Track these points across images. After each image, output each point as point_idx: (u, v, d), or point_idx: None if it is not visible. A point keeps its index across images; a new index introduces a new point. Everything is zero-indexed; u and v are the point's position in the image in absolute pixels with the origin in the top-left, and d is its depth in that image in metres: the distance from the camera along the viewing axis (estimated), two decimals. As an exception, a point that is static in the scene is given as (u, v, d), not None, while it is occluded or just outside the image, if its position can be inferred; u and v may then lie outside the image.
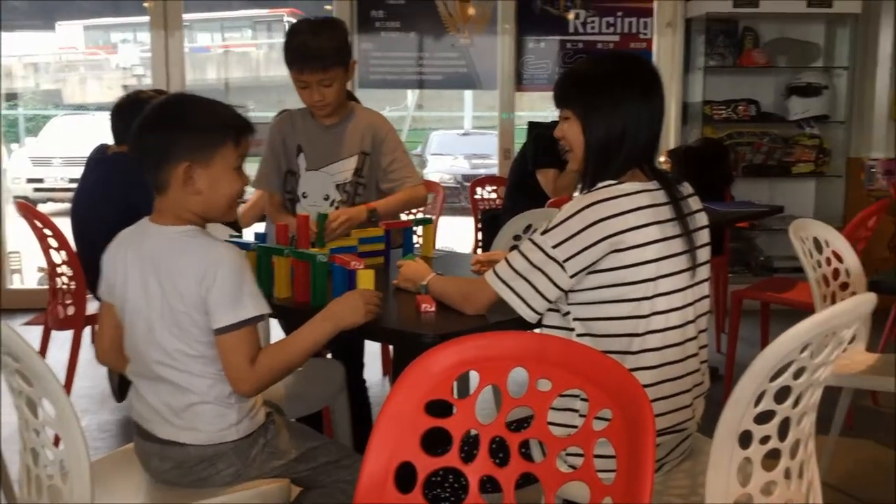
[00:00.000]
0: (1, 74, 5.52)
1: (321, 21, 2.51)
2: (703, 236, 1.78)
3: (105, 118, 3.62)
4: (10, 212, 5.67)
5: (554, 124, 1.84)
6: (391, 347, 3.32)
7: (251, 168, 2.83)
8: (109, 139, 3.52)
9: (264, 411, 1.81)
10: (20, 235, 4.91)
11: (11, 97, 11.74)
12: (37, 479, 1.55)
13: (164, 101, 1.74)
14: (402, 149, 2.67)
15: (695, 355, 1.75)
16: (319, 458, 1.82)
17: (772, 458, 1.42)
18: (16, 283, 5.69)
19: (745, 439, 1.38)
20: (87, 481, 1.46)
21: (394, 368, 2.67)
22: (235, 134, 1.72)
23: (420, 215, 4.49)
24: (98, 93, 12.10)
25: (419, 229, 2.75)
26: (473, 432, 1.39)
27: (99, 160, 3.44)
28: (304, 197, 2.62)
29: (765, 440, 1.40)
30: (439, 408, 1.36)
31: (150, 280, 1.69)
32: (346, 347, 2.68)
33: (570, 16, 5.50)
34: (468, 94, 12.75)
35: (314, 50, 2.42)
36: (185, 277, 1.65)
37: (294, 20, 2.60)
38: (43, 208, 4.28)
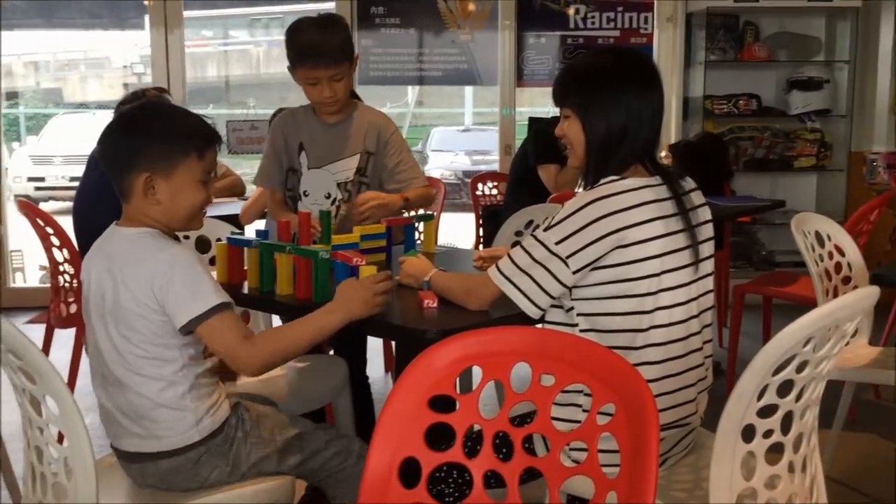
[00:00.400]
0: (1, 73, 5.50)
1: (325, 17, 2.52)
2: (707, 231, 1.78)
3: (106, 116, 3.63)
4: (12, 210, 5.68)
5: (555, 120, 1.84)
6: (394, 343, 3.32)
7: (252, 165, 2.85)
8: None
9: (228, 404, 1.78)
10: (22, 234, 4.92)
11: (12, 96, 11.73)
12: (41, 476, 1.55)
13: (132, 110, 1.76)
14: (407, 149, 2.68)
15: (699, 350, 1.75)
16: (310, 445, 1.81)
17: (775, 452, 1.42)
18: (18, 281, 5.69)
19: (748, 433, 1.38)
20: (92, 479, 1.47)
21: (396, 364, 2.67)
22: (200, 146, 1.72)
23: (421, 211, 4.50)
24: (98, 91, 12.10)
25: (420, 225, 2.75)
26: (476, 427, 1.39)
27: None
28: (306, 195, 2.62)
29: (768, 434, 1.40)
30: (442, 403, 1.36)
31: (106, 280, 1.69)
32: (349, 344, 2.68)
33: (571, 11, 5.49)
34: (468, 91, 12.72)
35: (325, 46, 2.43)
36: (138, 278, 1.66)
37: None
38: (44, 207, 4.28)
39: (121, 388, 1.71)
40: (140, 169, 1.67)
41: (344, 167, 2.60)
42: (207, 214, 3.49)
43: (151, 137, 1.69)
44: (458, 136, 12.29)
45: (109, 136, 1.73)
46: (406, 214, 2.74)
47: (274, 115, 3.86)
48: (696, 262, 1.72)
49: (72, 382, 3.20)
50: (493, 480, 1.38)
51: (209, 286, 1.66)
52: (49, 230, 3.26)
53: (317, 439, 1.84)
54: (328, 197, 2.61)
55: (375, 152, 2.61)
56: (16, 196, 8.56)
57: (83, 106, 12.10)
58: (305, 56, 2.44)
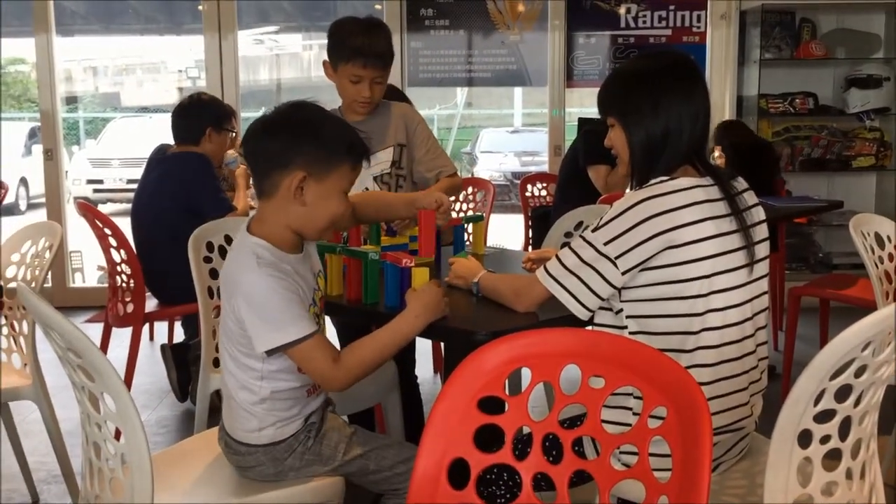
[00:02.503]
0: (57, 79, 5.65)
1: (372, 20, 2.60)
2: (761, 232, 1.75)
3: (161, 120, 3.71)
4: (71, 212, 5.83)
5: (603, 120, 1.83)
6: (442, 345, 3.33)
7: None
8: (167, 139, 3.60)
9: (300, 423, 1.78)
10: (81, 235, 5.04)
11: (72, 100, 12.04)
12: (99, 472, 1.59)
13: (294, 106, 1.72)
14: (433, 138, 2.74)
15: (753, 353, 1.72)
16: (371, 464, 1.81)
17: (832, 458, 1.39)
18: (77, 281, 5.84)
19: (804, 439, 1.35)
20: (148, 475, 1.50)
21: (445, 366, 2.67)
22: (355, 158, 1.72)
23: (470, 213, 4.50)
24: (154, 95, 12.35)
25: (470, 227, 2.75)
26: (526, 430, 1.38)
27: (160, 160, 3.52)
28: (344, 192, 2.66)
29: (825, 440, 1.37)
30: (491, 405, 1.36)
31: (224, 274, 1.77)
32: None
33: (622, 10, 5.44)
34: (517, 92, 12.68)
35: (376, 48, 2.51)
36: (228, 291, 1.71)
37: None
38: (102, 209, 4.39)
39: (224, 371, 1.80)
40: (295, 168, 1.65)
41: (379, 160, 2.64)
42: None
43: (314, 139, 1.67)
44: (508, 137, 12.26)
45: (262, 133, 1.69)
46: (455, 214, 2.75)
47: None
48: (751, 263, 1.69)
49: (128, 380, 3.28)
50: (543, 483, 1.38)
51: (287, 318, 1.63)
52: (107, 231, 3.34)
53: (381, 458, 1.82)
54: (366, 191, 2.64)
55: (407, 145, 2.66)
56: (75, 198, 8.79)
57: (141, 110, 12.36)
58: (357, 55, 2.50)
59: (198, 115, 3.48)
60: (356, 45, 2.50)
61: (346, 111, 2.66)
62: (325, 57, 2.59)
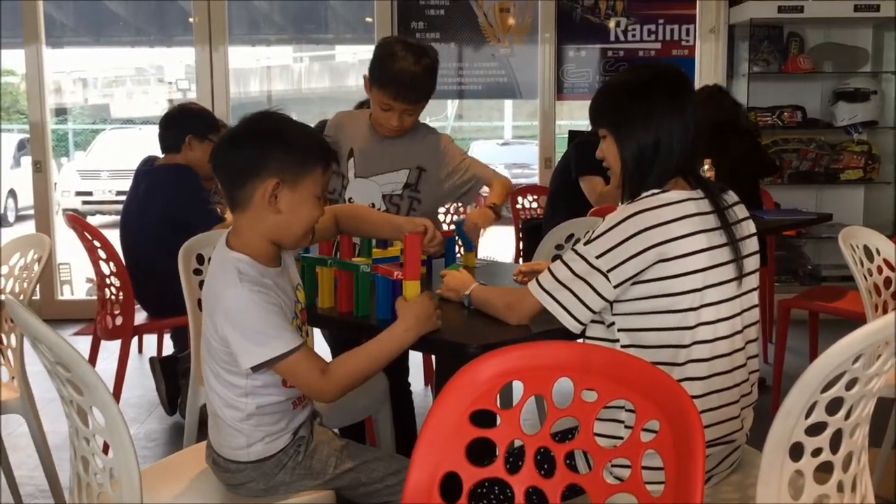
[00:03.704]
0: (46, 90, 5.64)
1: (421, 49, 2.47)
2: (751, 245, 1.75)
3: (151, 131, 3.69)
4: (60, 224, 5.80)
5: (595, 132, 1.83)
6: (433, 357, 3.32)
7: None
8: (156, 151, 3.58)
9: (288, 437, 1.77)
10: (70, 247, 5.02)
11: (61, 112, 12.01)
12: (87, 486, 1.58)
13: (258, 116, 1.71)
14: (463, 155, 2.71)
15: (743, 366, 1.72)
16: (362, 477, 1.81)
17: (824, 471, 1.39)
18: (66, 293, 5.81)
19: (796, 452, 1.35)
20: (137, 489, 1.48)
21: (437, 378, 2.66)
22: (326, 161, 1.71)
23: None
24: (144, 107, 12.34)
25: (460, 239, 2.75)
26: (517, 443, 1.38)
27: (146, 172, 3.51)
28: (350, 202, 2.64)
29: (816, 452, 1.37)
30: (483, 418, 1.35)
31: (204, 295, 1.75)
32: None
33: (611, 24, 5.47)
34: (508, 104, 12.72)
35: (414, 82, 2.41)
36: (209, 307, 1.69)
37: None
38: (91, 220, 4.37)
39: (207, 388, 1.79)
40: (267, 176, 1.63)
41: (391, 180, 2.61)
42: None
43: (283, 145, 1.65)
44: (498, 149, 12.31)
45: (230, 145, 1.68)
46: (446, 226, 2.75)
47: (318, 125, 3.89)
48: (741, 276, 1.70)
49: (117, 393, 3.26)
50: (535, 497, 1.37)
51: (272, 332, 1.61)
52: (96, 243, 3.32)
53: (371, 471, 1.81)
54: (372, 206, 2.63)
55: (429, 168, 2.62)
56: (64, 210, 8.75)
57: (130, 121, 12.35)
58: (391, 83, 2.41)
59: (180, 123, 3.46)
60: (393, 73, 2.40)
61: (375, 125, 2.60)
62: (366, 72, 2.53)
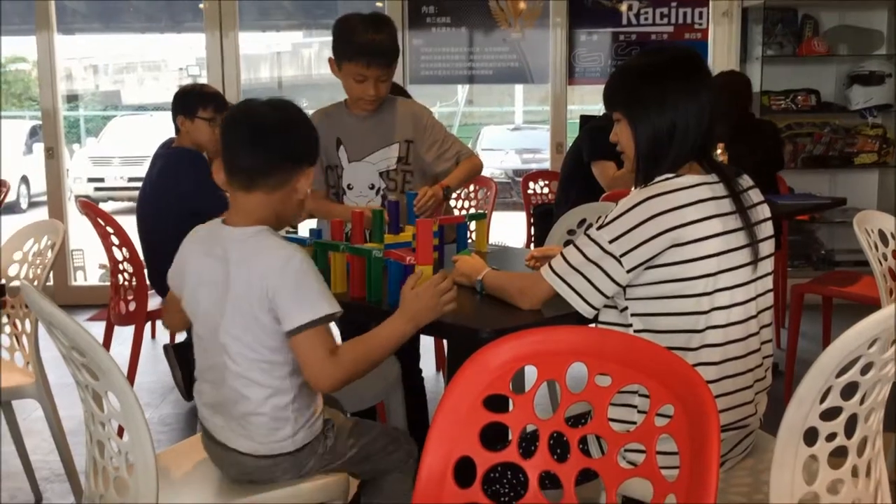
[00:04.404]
0: (58, 77, 5.65)
1: (377, 17, 2.57)
2: (766, 229, 1.74)
3: (162, 118, 3.69)
4: (72, 210, 5.83)
5: (607, 116, 1.83)
6: (445, 342, 3.33)
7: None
8: (169, 135, 3.58)
9: (322, 419, 1.79)
10: (82, 233, 5.04)
11: (72, 99, 12.04)
12: (103, 471, 1.59)
13: (291, 104, 1.76)
14: (444, 129, 2.75)
15: (757, 351, 1.72)
16: (374, 451, 1.84)
17: (838, 455, 1.39)
18: (79, 279, 5.84)
19: (810, 436, 1.35)
20: (153, 473, 1.49)
21: (448, 364, 2.67)
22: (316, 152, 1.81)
23: (473, 210, 4.49)
24: (155, 93, 12.36)
25: (472, 224, 2.75)
26: (530, 428, 1.38)
27: (160, 155, 3.50)
28: (350, 189, 2.66)
29: (831, 437, 1.37)
30: (496, 403, 1.35)
31: (221, 282, 1.68)
32: None
33: (623, 7, 5.43)
34: (518, 89, 12.67)
35: (380, 46, 2.49)
36: (255, 277, 1.64)
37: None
38: (103, 207, 4.39)
39: (226, 387, 1.71)
40: (308, 164, 1.74)
41: (384, 156, 2.65)
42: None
43: (311, 134, 1.77)
44: (509, 134, 12.26)
45: (273, 129, 1.70)
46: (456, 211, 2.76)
47: None
48: (755, 261, 1.69)
49: (131, 378, 3.28)
50: (548, 481, 1.38)
51: (323, 292, 1.64)
52: (109, 229, 3.33)
53: (374, 443, 1.85)
54: (372, 188, 2.65)
55: (414, 140, 2.66)
56: (76, 196, 8.78)
57: (141, 108, 12.37)
58: (360, 54, 2.49)
59: (173, 107, 3.44)
60: (359, 44, 2.49)
61: (352, 107, 2.66)
62: (331, 54, 2.59)
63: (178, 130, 3.45)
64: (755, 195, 1.75)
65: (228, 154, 1.71)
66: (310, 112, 2.30)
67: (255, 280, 1.64)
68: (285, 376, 1.69)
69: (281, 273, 1.62)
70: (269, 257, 1.65)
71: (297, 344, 1.64)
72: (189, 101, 3.41)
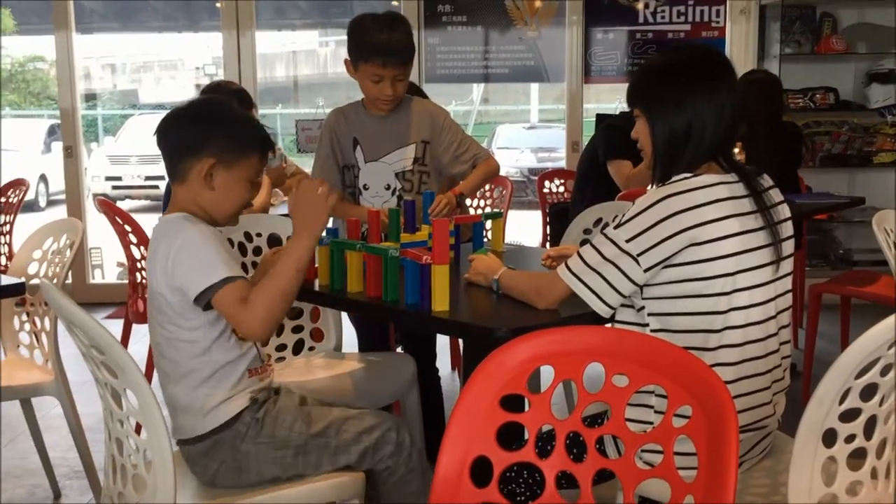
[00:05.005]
0: (76, 76, 5.69)
1: (391, 16, 2.56)
2: (786, 229, 1.73)
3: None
4: (90, 209, 5.87)
5: (624, 115, 1.83)
6: (461, 341, 3.33)
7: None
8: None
9: (245, 400, 1.78)
10: (100, 232, 5.07)
11: (90, 98, 12.12)
12: (122, 468, 1.60)
13: (205, 99, 1.87)
14: (461, 130, 2.75)
15: (776, 351, 1.71)
16: (342, 441, 1.79)
17: (857, 457, 1.38)
18: (97, 277, 5.88)
19: (829, 438, 1.34)
20: (171, 470, 1.50)
21: (465, 363, 2.68)
22: (262, 148, 1.84)
23: (488, 209, 4.49)
24: (172, 92, 12.43)
25: (488, 223, 2.75)
26: (546, 428, 1.38)
27: None
28: (366, 189, 2.67)
29: (850, 439, 1.36)
30: (513, 403, 1.35)
31: (148, 269, 1.80)
32: (416, 338, 2.70)
33: (640, 5, 5.41)
34: (534, 87, 12.65)
35: (395, 45, 2.49)
36: (156, 256, 1.74)
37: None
38: (121, 205, 4.42)
39: (160, 373, 1.82)
40: (207, 154, 1.76)
41: (400, 157, 2.65)
42: (279, 213, 3.55)
43: (223, 127, 1.80)
44: (524, 133, 12.25)
45: (175, 122, 1.81)
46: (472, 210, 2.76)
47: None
48: (777, 261, 1.68)
49: (148, 375, 3.30)
50: (564, 481, 1.37)
51: (218, 260, 1.70)
52: (127, 228, 3.35)
53: (342, 433, 1.80)
54: (388, 188, 2.65)
55: (431, 140, 2.66)
56: (94, 195, 8.84)
57: (158, 107, 12.44)
58: (375, 54, 2.49)
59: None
60: (374, 44, 2.48)
61: (370, 107, 2.65)
62: (346, 55, 2.59)
63: None
64: (775, 195, 1.74)
65: (160, 149, 1.84)
66: (327, 111, 2.32)
67: (159, 260, 1.73)
68: (197, 354, 1.75)
69: (179, 247, 1.70)
70: (172, 236, 1.73)
71: (216, 304, 1.70)
72: (235, 101, 3.42)
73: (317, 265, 2.19)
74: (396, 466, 1.82)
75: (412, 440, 1.86)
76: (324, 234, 2.21)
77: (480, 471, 1.33)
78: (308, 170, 4.55)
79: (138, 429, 1.57)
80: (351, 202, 2.68)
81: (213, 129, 1.78)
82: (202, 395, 1.75)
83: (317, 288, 2.18)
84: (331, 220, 3.08)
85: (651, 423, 1.62)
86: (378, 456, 1.81)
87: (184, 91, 11.98)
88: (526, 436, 1.36)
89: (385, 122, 2.65)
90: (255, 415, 1.79)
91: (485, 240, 2.63)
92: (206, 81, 11.23)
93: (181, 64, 12.71)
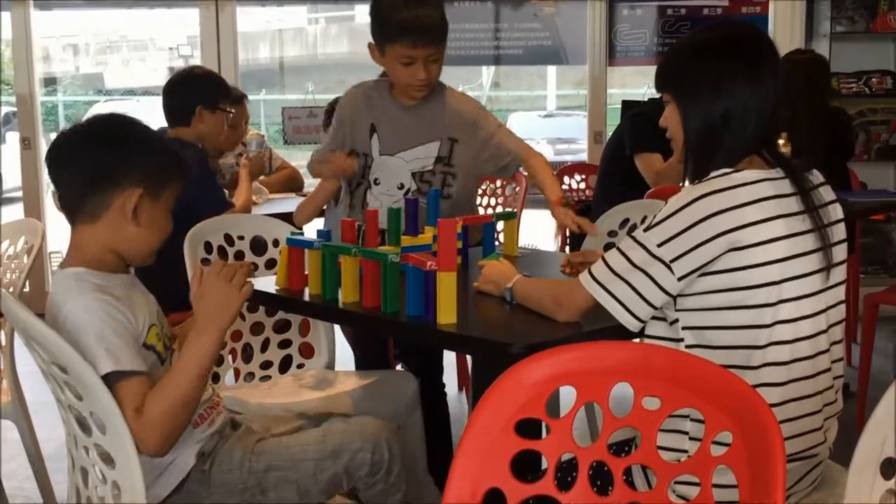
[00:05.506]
0: (34, 58, 5.71)
1: None
2: (839, 232, 1.73)
3: (150, 103, 3.72)
4: (51, 208, 5.88)
5: (653, 102, 1.83)
6: (468, 358, 3.33)
7: (308, 157, 2.92)
8: (157, 124, 3.61)
9: (192, 455, 1.74)
10: (62, 234, 5.08)
11: (50, 82, 12.16)
12: (87, 501, 1.61)
13: (109, 117, 1.75)
14: (496, 121, 2.73)
15: (827, 370, 1.71)
16: (288, 476, 1.79)
17: (920, 490, 1.38)
18: (57, 285, 5.88)
19: (887, 468, 1.34)
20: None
21: (473, 382, 2.68)
22: (183, 171, 1.77)
23: (500, 209, 4.49)
24: (142, 76, 12.48)
25: (500, 225, 2.75)
26: (567, 456, 1.38)
27: None
28: (377, 184, 2.65)
29: (912, 470, 1.36)
30: (526, 428, 1.35)
31: None
32: (419, 349, 2.69)
33: (671, -22, 5.42)
34: (551, 71, 12.68)
35: (426, 22, 2.45)
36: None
37: None
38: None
39: None
40: (130, 185, 1.67)
41: (420, 155, 2.62)
42: (262, 212, 3.55)
43: (144, 150, 1.71)
44: (540, 122, 12.28)
45: (80, 147, 1.70)
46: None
47: (331, 104, 3.91)
48: (828, 267, 1.68)
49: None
50: (587, 516, 1.37)
51: (98, 348, 1.56)
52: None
53: (302, 469, 1.79)
54: (401, 188, 2.63)
55: (460, 138, 2.63)
56: (53, 192, 8.84)
57: (127, 93, 12.48)
58: (404, 33, 2.45)
59: (186, 92, 3.46)
60: (401, 22, 2.44)
61: (400, 94, 2.63)
62: (370, 39, 2.54)
63: (178, 120, 3.44)
64: (826, 193, 1.74)
65: (53, 182, 1.73)
66: (317, 97, 2.31)
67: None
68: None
69: (62, 322, 1.59)
70: (57, 304, 1.61)
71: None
72: (212, 89, 3.44)
73: (306, 272, 2.20)
74: (375, 483, 1.84)
75: (392, 455, 1.85)
76: (315, 236, 2.23)
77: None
78: (295, 163, 4.59)
79: (108, 457, 1.57)
80: (360, 199, 2.66)
81: (133, 153, 1.68)
82: (144, 461, 1.61)
83: (307, 297, 2.18)
84: (322, 220, 3.11)
85: (686, 451, 1.62)
86: (353, 480, 1.82)
87: (156, 74, 12.02)
88: (544, 465, 1.36)
89: (410, 112, 2.63)
90: (203, 467, 1.77)
91: (496, 243, 2.63)
92: (180, 63, 11.28)
93: (152, 44, 12.76)
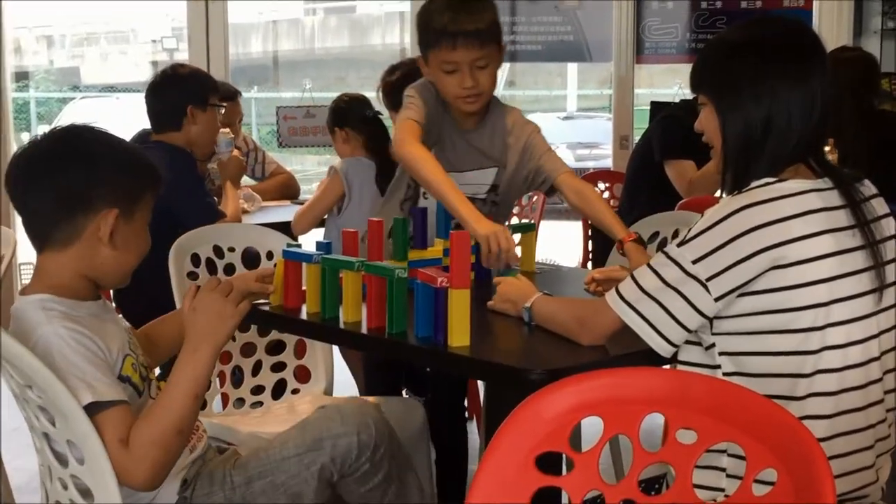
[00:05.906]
0: (5, 50, 5.75)
1: None
2: (892, 249, 1.74)
3: (131, 101, 3.74)
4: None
5: (685, 104, 1.84)
6: (480, 384, 3.33)
7: (305, 161, 2.91)
8: (138, 124, 3.62)
9: (175, 485, 1.75)
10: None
11: (21, 77, 12.23)
12: (62, 538, 1.61)
13: (70, 130, 1.74)
14: (546, 143, 2.66)
15: (880, 402, 1.71)
16: (275, 480, 1.80)
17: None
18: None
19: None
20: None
21: (487, 412, 2.67)
22: (156, 183, 1.75)
23: (516, 220, 4.49)
24: (122, 71, 12.55)
25: (517, 238, 2.75)
26: (592, 494, 1.38)
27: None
28: (426, 198, 2.60)
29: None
30: (547, 462, 1.36)
31: None
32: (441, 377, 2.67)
33: (706, -32, 5.45)
34: (572, 68, 12.72)
35: (465, 22, 2.40)
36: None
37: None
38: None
39: None
40: (104, 206, 1.66)
41: (475, 180, 2.58)
42: (255, 221, 3.56)
43: (115, 168, 1.69)
44: (559, 125, 12.30)
45: (43, 167, 1.68)
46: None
47: (336, 103, 3.88)
48: (881, 288, 1.68)
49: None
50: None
51: (76, 378, 1.56)
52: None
53: (284, 470, 1.80)
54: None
55: (510, 163, 2.60)
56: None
57: (106, 89, 12.55)
58: (442, 36, 2.41)
59: (175, 92, 3.47)
60: (440, 25, 2.40)
61: (456, 113, 2.56)
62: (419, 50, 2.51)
63: (166, 124, 3.45)
64: (879, 206, 1.75)
65: (15, 206, 1.71)
66: (315, 95, 2.29)
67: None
68: None
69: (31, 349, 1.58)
70: (24, 335, 1.60)
71: None
72: (200, 86, 3.45)
73: (304, 288, 2.20)
74: (360, 467, 1.84)
75: (378, 432, 1.85)
76: (314, 249, 2.24)
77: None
78: (290, 168, 4.61)
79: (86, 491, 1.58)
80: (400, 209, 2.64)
81: (104, 170, 1.67)
82: (126, 494, 1.61)
83: (304, 316, 2.19)
84: (322, 232, 3.12)
85: (722, 489, 1.62)
86: (342, 469, 1.82)
87: (137, 70, 12.09)
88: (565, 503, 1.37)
89: (467, 136, 2.57)
90: (184, 494, 1.78)
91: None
92: (164, 58, 11.33)
93: (133, 36, 12.84)
